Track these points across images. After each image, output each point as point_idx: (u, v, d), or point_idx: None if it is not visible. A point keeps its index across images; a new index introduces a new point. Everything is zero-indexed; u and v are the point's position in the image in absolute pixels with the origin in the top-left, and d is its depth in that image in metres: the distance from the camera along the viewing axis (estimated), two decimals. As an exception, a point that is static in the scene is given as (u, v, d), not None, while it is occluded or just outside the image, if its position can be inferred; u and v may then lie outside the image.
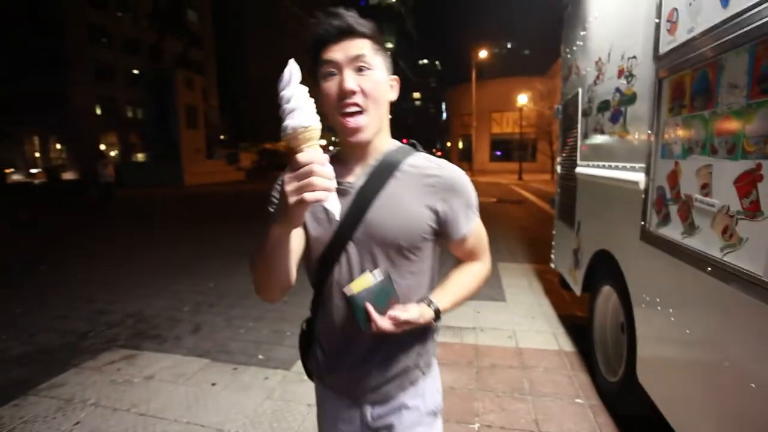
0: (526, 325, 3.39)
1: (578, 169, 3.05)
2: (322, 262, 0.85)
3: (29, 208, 12.07)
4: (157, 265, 5.59)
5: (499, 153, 30.37)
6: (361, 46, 0.78)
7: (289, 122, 0.60)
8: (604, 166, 2.47)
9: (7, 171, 21.20)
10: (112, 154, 32.75)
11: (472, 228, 0.89)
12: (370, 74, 0.78)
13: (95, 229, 9.12)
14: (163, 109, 20.57)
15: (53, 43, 29.32)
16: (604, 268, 2.40)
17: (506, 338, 3.15)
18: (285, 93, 0.61)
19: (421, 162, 0.86)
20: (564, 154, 3.62)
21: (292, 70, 0.61)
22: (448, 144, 37.77)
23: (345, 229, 0.82)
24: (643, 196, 1.78)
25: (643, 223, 1.77)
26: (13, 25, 29.59)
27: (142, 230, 8.84)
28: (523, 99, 23.52)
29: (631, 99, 2.07)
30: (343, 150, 0.89)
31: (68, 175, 27.61)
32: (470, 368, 2.74)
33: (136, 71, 34.18)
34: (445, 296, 0.87)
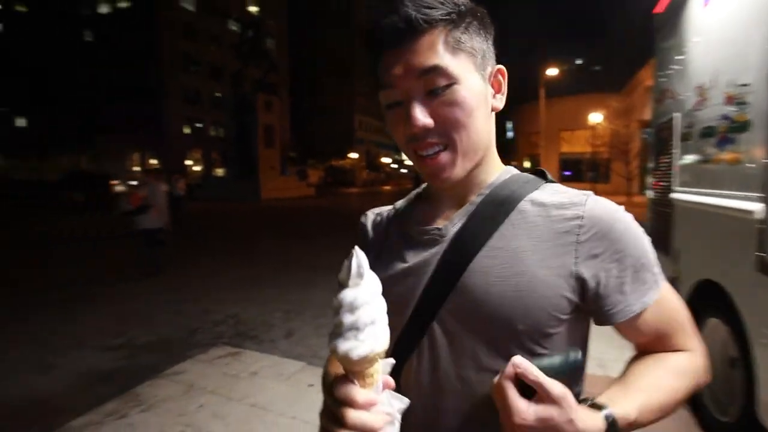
0: (614, 353, 3.28)
1: (675, 195, 2.96)
2: (396, 350, 0.56)
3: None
4: (246, 273, 6.11)
5: (568, 173, 29.09)
6: (431, 49, 0.51)
7: (349, 345, 0.39)
8: (709, 194, 2.40)
9: (111, 183, 24.06)
10: (197, 169, 36.11)
11: (653, 299, 0.54)
12: (449, 94, 0.52)
13: (186, 238, 10.11)
14: (243, 129, 22.42)
15: (152, 72, 33.27)
16: (709, 299, 2.31)
17: (595, 366, 3.08)
18: (346, 297, 0.40)
19: (551, 198, 0.56)
20: (657, 179, 3.51)
21: (360, 262, 0.40)
22: (514, 164, 36.85)
23: (428, 301, 0.55)
24: (759, 225, 1.74)
25: (761, 254, 1.73)
26: (119, 56, 34.13)
27: (227, 240, 9.66)
28: (596, 117, 22.50)
29: (743, 126, 2.03)
30: (430, 185, 0.64)
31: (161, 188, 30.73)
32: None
33: (218, 94, 37.62)
34: (626, 399, 0.50)
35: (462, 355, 0.54)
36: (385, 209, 0.73)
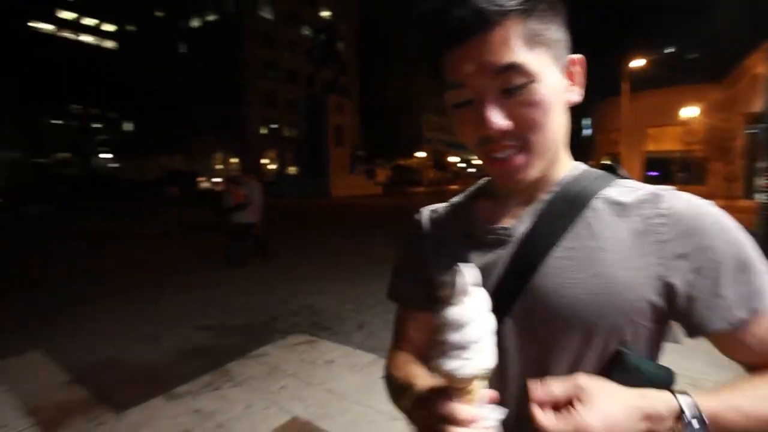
0: (712, 374, 2.97)
1: (794, 199, 2.62)
2: None
3: (213, 210, 14.88)
4: (319, 266, 6.43)
5: (654, 173, 26.57)
6: (506, 44, 0.45)
7: (455, 364, 0.38)
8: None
9: (198, 180, 26.45)
10: (272, 167, 38.47)
11: (764, 305, 0.47)
12: (527, 93, 0.47)
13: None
14: (315, 129, 23.50)
15: (236, 79, 36.01)
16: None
17: (690, 388, 2.82)
18: (451, 315, 0.38)
19: (626, 194, 0.52)
20: (770, 181, 3.12)
21: (465, 279, 0.39)
22: (591, 164, 34.42)
23: (496, 306, 0.48)
24: None
25: None
26: (208, 65, 37.37)
27: (302, 234, 10.19)
28: (690, 111, 20.26)
29: None
30: (496, 181, 0.59)
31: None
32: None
33: (292, 97, 39.75)
34: (718, 395, 0.46)
35: (530, 361, 0.52)
36: (441, 206, 0.69)
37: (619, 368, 0.47)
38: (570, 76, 0.53)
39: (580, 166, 0.59)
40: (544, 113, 0.48)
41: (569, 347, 0.50)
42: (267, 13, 38.61)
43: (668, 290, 0.48)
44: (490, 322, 0.40)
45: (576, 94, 0.54)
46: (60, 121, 39.75)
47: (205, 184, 28.63)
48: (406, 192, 30.28)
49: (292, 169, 38.64)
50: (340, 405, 2.54)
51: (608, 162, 0.60)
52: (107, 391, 2.72)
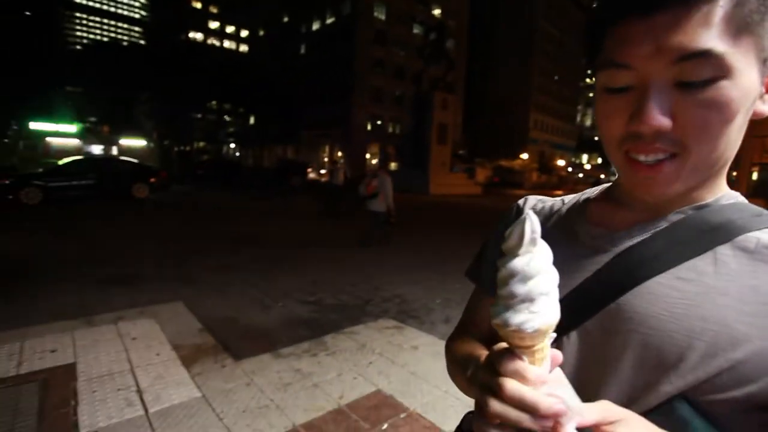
0: None
1: None
2: None
3: (323, 200, 16.04)
4: (414, 259, 6.65)
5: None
6: (706, 25, 0.36)
7: (522, 317, 0.35)
8: None
9: (307, 170, 28.66)
10: (374, 161, 40.06)
11: None
12: (710, 91, 0.38)
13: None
14: (419, 125, 23.88)
15: (347, 77, 38.15)
16: None
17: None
18: (518, 265, 0.36)
19: None
20: None
21: (534, 227, 0.36)
22: (734, 174, 29.22)
23: (568, 310, 0.41)
24: None
25: None
26: (324, 64, 40.17)
27: (399, 226, 10.55)
28: None
29: None
30: (621, 187, 0.51)
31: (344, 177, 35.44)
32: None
33: (398, 93, 40.77)
34: None
35: (582, 383, 0.43)
36: (551, 199, 0.63)
37: (664, 411, 0.40)
38: (767, 81, 0.42)
39: (735, 196, 0.47)
40: (723, 120, 0.39)
41: (630, 382, 0.42)
42: (380, 13, 40.07)
43: None
44: (556, 275, 0.36)
45: None
46: (199, 115, 46.31)
47: (312, 175, 30.96)
48: (506, 193, 29.13)
49: (392, 165, 39.85)
50: (421, 386, 2.68)
51: None
52: (227, 342, 3.24)
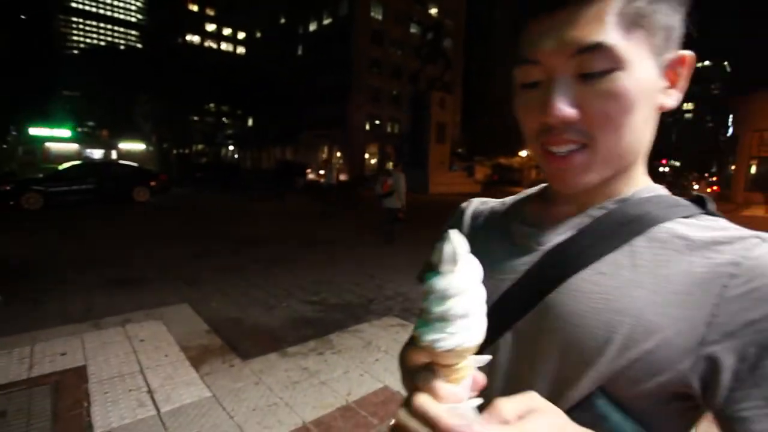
0: None
1: None
2: None
3: (322, 201, 16.07)
4: (414, 257, 6.68)
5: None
6: (599, 20, 0.39)
7: (435, 336, 0.33)
8: None
9: (306, 171, 28.64)
10: (372, 161, 40.13)
11: None
12: (606, 82, 0.40)
13: (364, 221, 11.49)
14: (417, 125, 23.92)
15: (345, 77, 38.16)
16: None
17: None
18: (437, 284, 0.34)
19: (702, 232, 0.41)
20: None
21: (455, 246, 0.35)
22: (732, 167, 29.32)
23: (500, 313, 0.46)
24: None
25: None
26: (321, 65, 40.19)
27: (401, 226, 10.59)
28: None
29: None
30: (549, 184, 0.52)
31: (342, 177, 35.38)
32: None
33: (396, 92, 40.82)
34: None
35: (516, 380, 0.46)
36: (493, 201, 0.66)
37: (584, 407, 0.41)
38: (671, 75, 0.44)
39: (657, 190, 0.48)
40: (622, 110, 0.40)
41: (555, 379, 0.43)
42: (377, 14, 40.09)
43: (710, 363, 0.36)
44: (482, 295, 0.35)
45: (673, 99, 0.45)
46: (197, 118, 46.32)
47: (311, 176, 30.95)
48: (504, 191, 29.10)
49: (390, 164, 39.91)
50: (427, 384, 2.72)
51: (701, 195, 0.48)
52: (234, 342, 3.28)
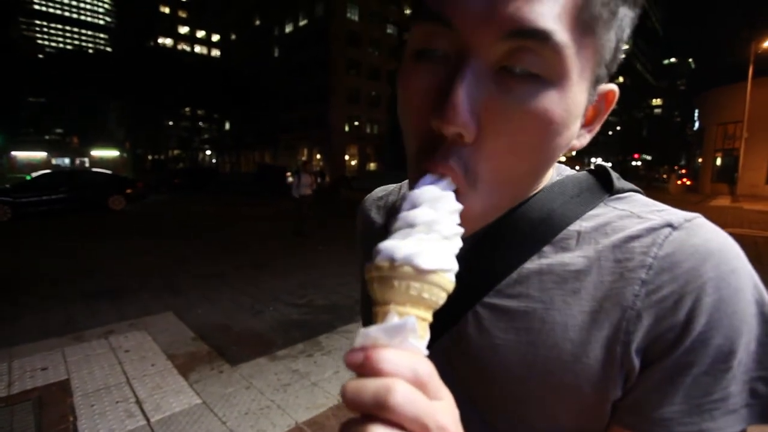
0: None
1: None
2: None
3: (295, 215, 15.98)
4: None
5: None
6: (551, 6, 0.28)
7: (397, 246, 0.26)
8: None
9: (286, 174, 28.36)
10: (353, 163, 40.07)
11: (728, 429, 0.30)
12: (531, 93, 0.30)
13: (346, 222, 11.48)
14: (397, 126, 24.00)
15: (322, 79, 38.00)
16: None
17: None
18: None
19: (616, 218, 0.36)
20: None
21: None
22: (699, 160, 30.55)
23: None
24: None
25: None
26: (298, 67, 39.94)
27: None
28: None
29: None
30: None
31: (321, 180, 35.25)
32: None
33: (374, 93, 40.89)
34: None
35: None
36: (393, 188, 0.57)
37: None
38: (590, 111, 0.36)
39: (567, 171, 0.42)
40: (540, 136, 0.31)
41: (476, 400, 0.38)
42: (353, 15, 40.06)
43: (628, 366, 0.32)
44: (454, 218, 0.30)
45: (585, 139, 0.37)
46: (171, 122, 45.32)
47: (290, 179, 30.73)
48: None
49: (372, 165, 39.85)
50: (417, 380, 2.77)
51: (600, 166, 0.41)
52: (222, 348, 3.26)
